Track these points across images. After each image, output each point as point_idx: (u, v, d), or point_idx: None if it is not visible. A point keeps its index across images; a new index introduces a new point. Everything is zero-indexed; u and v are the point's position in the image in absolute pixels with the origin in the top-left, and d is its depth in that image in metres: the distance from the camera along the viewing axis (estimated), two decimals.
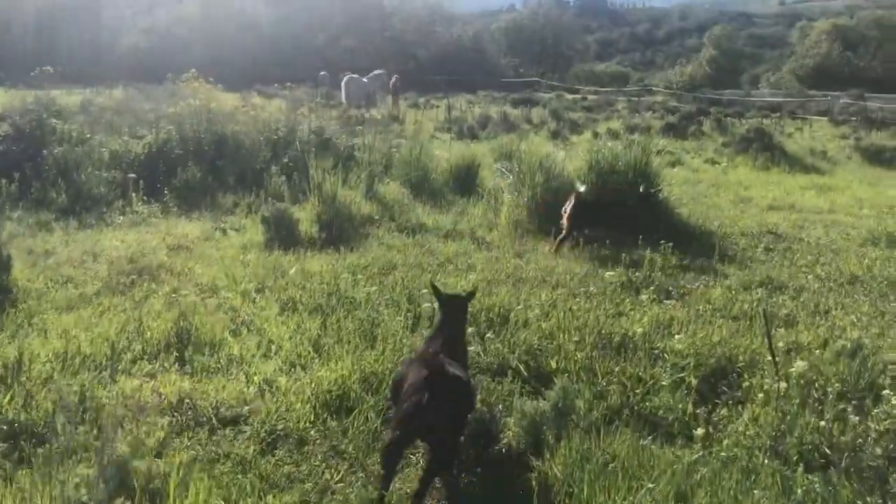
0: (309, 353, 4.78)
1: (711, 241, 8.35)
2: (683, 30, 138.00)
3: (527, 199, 8.95)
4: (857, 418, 3.82)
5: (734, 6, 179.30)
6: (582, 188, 8.13)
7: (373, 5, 76.68)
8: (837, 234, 9.21)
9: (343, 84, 28.67)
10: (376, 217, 8.92)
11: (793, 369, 4.24)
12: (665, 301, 6.11)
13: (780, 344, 4.97)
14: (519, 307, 5.58)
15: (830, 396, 4.04)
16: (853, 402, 4.09)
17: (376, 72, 31.36)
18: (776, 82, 66.70)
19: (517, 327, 5.23)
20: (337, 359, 4.61)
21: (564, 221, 7.97)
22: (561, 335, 5.05)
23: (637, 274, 6.68)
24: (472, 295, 4.29)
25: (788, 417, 3.89)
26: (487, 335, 5.05)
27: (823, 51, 71.38)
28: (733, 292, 6.39)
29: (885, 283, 6.83)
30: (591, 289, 6.30)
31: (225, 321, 5.23)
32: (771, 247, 8.48)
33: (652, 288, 6.36)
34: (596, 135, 23.43)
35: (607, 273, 6.79)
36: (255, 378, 4.40)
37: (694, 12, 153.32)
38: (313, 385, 4.26)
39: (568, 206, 7.99)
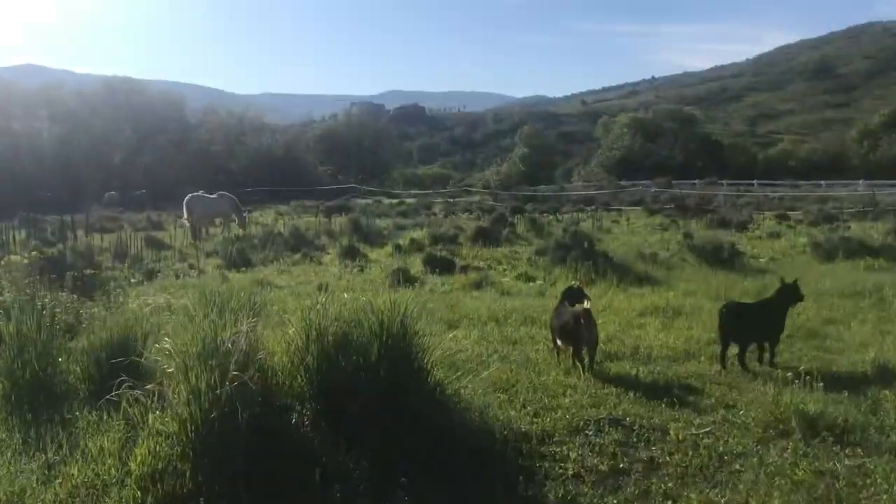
0: None
1: (513, 461, 4.60)
2: (498, 131, 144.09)
3: (183, 416, 4.65)
4: None
5: (542, 107, 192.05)
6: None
7: (172, 118, 71.79)
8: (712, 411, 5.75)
9: (185, 203, 24.44)
10: None
11: None
12: None
13: None
14: None
15: None
16: None
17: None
18: (587, 175, 68.41)
19: None
20: None
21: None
22: None
23: None
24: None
25: None
26: None
27: (627, 143, 74.78)
28: None
29: None
30: None
31: None
32: (623, 456, 4.80)
33: None
34: (398, 247, 19.99)
35: None
36: None
37: (506, 114, 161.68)
38: None
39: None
